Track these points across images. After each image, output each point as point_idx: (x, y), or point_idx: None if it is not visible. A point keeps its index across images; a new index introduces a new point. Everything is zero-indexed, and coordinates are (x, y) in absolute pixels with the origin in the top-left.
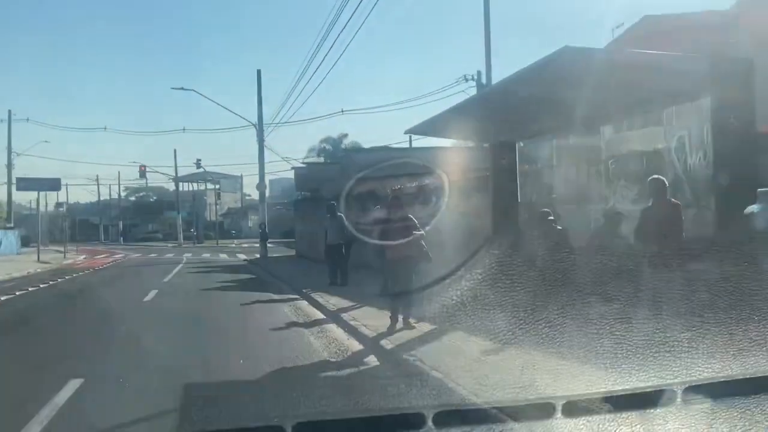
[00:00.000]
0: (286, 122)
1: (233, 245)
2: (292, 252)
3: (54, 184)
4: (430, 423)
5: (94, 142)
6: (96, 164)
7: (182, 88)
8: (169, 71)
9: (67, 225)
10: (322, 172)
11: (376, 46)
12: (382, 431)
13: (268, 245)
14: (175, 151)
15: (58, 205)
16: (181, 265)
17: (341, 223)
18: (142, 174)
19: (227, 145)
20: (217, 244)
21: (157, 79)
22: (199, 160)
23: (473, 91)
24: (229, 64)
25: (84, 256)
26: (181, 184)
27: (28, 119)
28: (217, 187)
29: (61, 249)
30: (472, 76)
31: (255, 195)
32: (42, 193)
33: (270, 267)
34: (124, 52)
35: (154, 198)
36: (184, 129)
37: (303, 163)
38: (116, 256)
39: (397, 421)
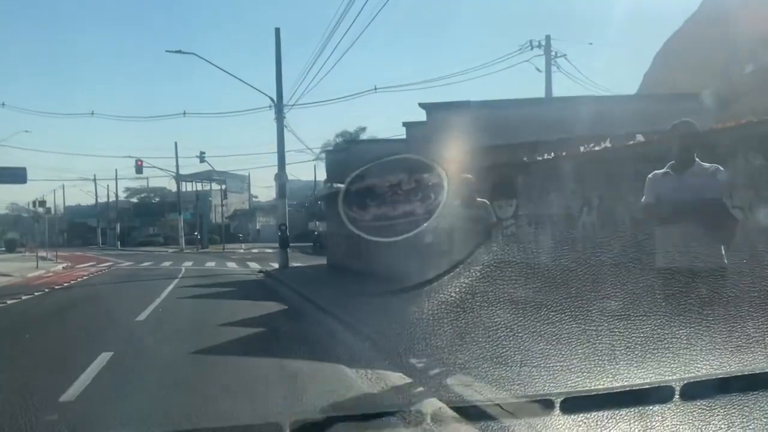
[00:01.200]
0: (309, 103)
1: (241, 250)
2: (317, 259)
3: (17, 175)
4: (428, 421)
5: (83, 133)
6: (84, 155)
7: (180, 51)
8: (165, 43)
9: (47, 227)
10: (369, 152)
11: (410, 17)
12: (379, 427)
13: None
14: (176, 143)
15: (34, 204)
16: (176, 281)
17: (488, 217)
18: (139, 169)
19: (233, 136)
20: (224, 249)
21: (153, 59)
22: (203, 152)
23: (540, 62)
24: (237, 37)
25: (64, 265)
26: (184, 183)
27: (3, 104)
28: (223, 187)
29: (45, 255)
30: (539, 42)
31: (262, 196)
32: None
33: (302, 286)
34: (112, 25)
35: (157, 199)
36: (184, 113)
37: (344, 142)
38: (102, 265)
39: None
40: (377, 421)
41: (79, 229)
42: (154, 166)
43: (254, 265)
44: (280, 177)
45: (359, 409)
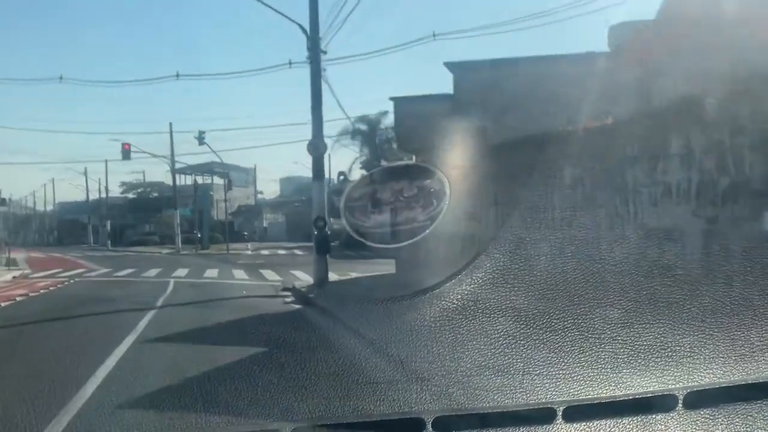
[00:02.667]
0: (347, 57)
1: (248, 252)
2: (348, 264)
3: None
4: (429, 427)
5: (60, 105)
6: (59, 132)
7: None
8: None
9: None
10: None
11: None
12: None
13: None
14: (170, 124)
15: None
16: (149, 317)
17: None
18: (126, 154)
19: (239, 106)
20: (227, 250)
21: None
22: (203, 132)
23: None
24: None
25: (15, 275)
26: (183, 176)
27: None
28: (227, 181)
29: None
30: None
31: (267, 193)
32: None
33: (426, 364)
34: None
35: (155, 194)
36: (177, 75)
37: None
38: (68, 273)
39: (396, 425)
40: (378, 428)
41: (70, 226)
42: (144, 151)
43: (272, 276)
44: (316, 146)
45: (360, 417)
